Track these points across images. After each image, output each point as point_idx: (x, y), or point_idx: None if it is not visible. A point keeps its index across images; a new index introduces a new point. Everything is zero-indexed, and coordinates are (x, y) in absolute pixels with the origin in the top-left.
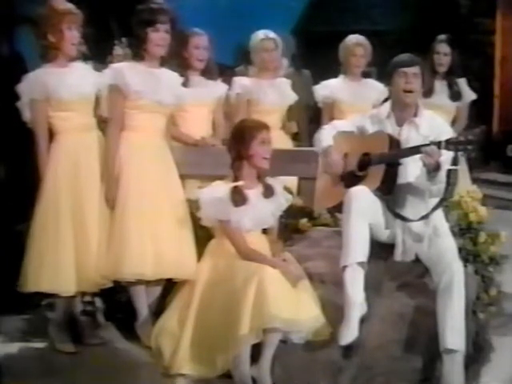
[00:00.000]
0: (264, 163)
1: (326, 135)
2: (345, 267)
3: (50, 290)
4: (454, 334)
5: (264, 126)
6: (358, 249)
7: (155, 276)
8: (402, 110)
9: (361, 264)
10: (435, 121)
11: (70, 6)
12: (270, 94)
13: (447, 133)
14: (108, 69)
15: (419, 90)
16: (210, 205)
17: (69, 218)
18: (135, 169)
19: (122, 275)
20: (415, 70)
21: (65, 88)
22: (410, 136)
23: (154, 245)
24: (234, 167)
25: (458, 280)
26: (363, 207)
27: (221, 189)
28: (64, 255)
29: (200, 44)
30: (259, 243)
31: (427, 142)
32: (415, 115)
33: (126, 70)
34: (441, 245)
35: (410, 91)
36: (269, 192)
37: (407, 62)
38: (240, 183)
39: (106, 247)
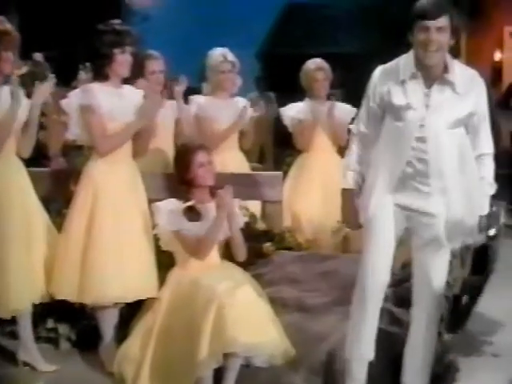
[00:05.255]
0: (207, 181)
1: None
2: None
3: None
4: (411, 372)
5: (200, 148)
6: (366, 342)
7: (135, 297)
8: (432, 71)
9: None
10: (467, 72)
11: (6, 27)
12: (226, 113)
13: (480, 85)
14: (78, 90)
15: (445, 47)
16: (165, 216)
17: (17, 235)
18: (110, 194)
19: (106, 299)
20: (441, 22)
21: None
22: (442, 98)
23: (131, 267)
24: (182, 190)
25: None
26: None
27: (176, 203)
28: (15, 274)
29: (156, 69)
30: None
31: (463, 102)
32: (446, 71)
33: (96, 91)
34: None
35: (432, 51)
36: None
37: (430, 12)
38: (192, 202)
39: (75, 271)
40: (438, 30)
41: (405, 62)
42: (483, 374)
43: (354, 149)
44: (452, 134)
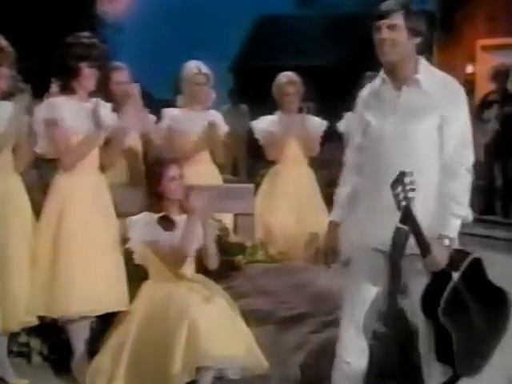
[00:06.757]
0: (176, 195)
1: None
2: None
3: None
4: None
5: (172, 161)
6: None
7: (103, 311)
8: (396, 71)
9: None
10: (439, 75)
11: (0, 44)
12: (200, 126)
13: (454, 89)
14: (44, 103)
15: (401, 45)
16: (139, 228)
17: (18, 250)
18: (77, 206)
19: (72, 313)
20: (393, 20)
21: None
22: (411, 97)
23: (98, 280)
24: (153, 202)
25: None
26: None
27: (149, 216)
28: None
29: (121, 79)
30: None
31: (433, 103)
32: (415, 72)
33: (61, 105)
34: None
35: (386, 46)
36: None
37: (382, 12)
38: (164, 213)
39: (42, 284)
40: (390, 27)
41: (377, 78)
42: None
43: (347, 180)
44: (424, 138)
